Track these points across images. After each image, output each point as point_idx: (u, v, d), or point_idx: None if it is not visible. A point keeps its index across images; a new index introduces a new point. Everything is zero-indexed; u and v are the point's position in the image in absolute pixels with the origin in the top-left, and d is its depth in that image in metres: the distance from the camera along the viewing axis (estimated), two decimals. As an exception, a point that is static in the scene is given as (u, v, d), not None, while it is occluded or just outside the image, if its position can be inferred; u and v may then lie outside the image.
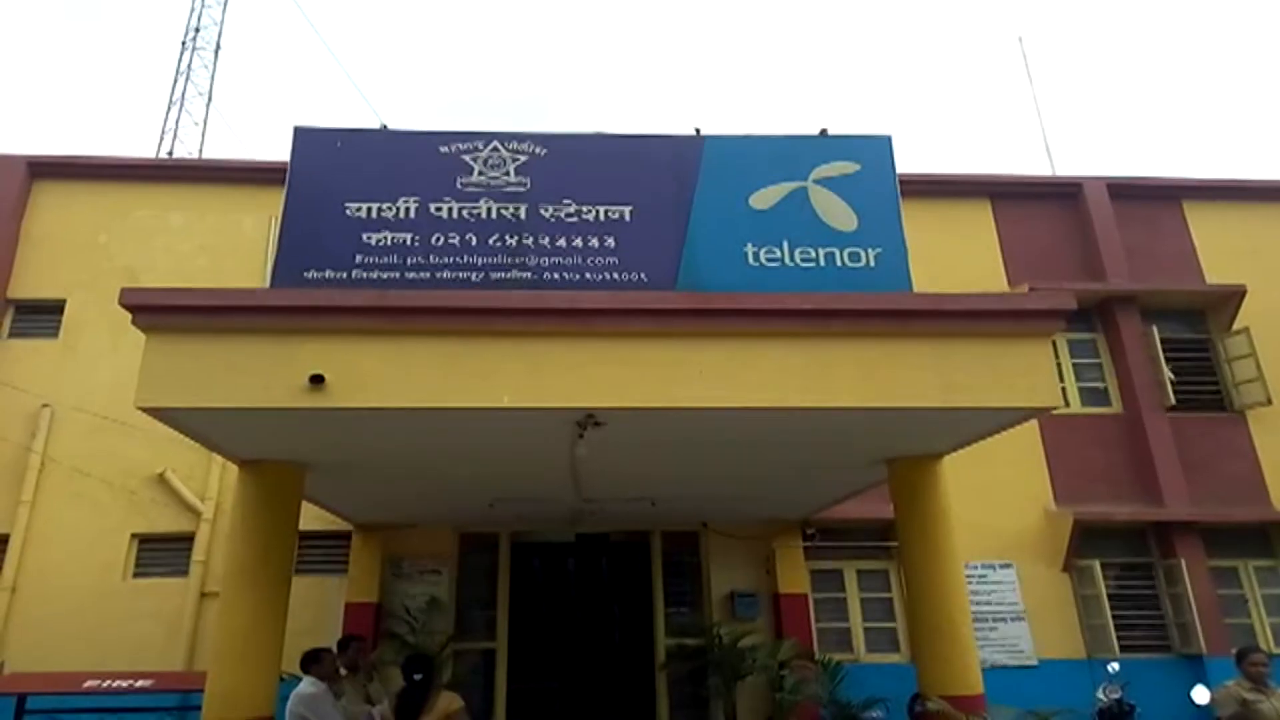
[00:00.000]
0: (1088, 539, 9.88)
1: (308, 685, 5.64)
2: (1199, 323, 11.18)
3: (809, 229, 5.61)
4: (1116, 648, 9.31)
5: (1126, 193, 11.63)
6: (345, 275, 5.40)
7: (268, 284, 5.70)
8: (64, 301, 10.25)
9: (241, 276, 9.92)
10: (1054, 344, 5.18)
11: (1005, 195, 11.69)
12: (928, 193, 11.05)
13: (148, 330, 4.69)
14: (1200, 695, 7.01)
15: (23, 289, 10.34)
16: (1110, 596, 9.79)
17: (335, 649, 6.30)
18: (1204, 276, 11.29)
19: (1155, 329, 10.62)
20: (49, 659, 8.40)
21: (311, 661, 5.77)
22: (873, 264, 5.54)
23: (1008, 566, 9.93)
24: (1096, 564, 9.86)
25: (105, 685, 7.20)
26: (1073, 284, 10.28)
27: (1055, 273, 10.99)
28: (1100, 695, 8.31)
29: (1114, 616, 9.65)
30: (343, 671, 6.12)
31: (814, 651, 9.37)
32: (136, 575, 9.40)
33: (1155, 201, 11.75)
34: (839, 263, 5.55)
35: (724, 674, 9.11)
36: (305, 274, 5.38)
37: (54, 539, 9.27)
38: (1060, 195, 11.71)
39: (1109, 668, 8.61)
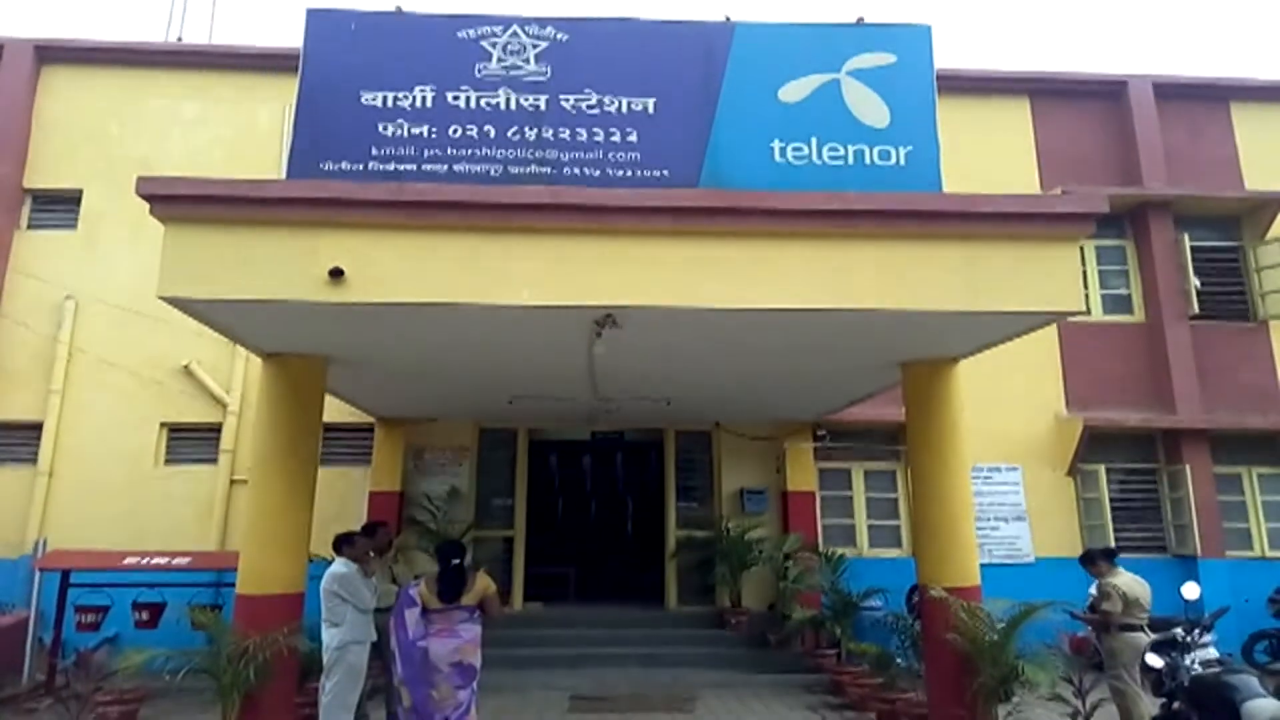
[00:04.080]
0: (1096, 444, 10.02)
1: (340, 565, 5.95)
2: (1233, 230, 10.91)
3: (839, 124, 5.41)
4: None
5: (1172, 93, 11.14)
6: (362, 167, 5.31)
7: (284, 176, 5.62)
8: (80, 192, 10.21)
9: (257, 168, 9.76)
10: (1081, 250, 5.08)
11: (1045, 94, 11.21)
12: (964, 89, 10.61)
13: (166, 220, 4.68)
14: (1190, 591, 7.34)
15: (38, 179, 10.27)
16: (1112, 500, 10.04)
17: (363, 533, 6.59)
18: (1244, 182, 10.94)
19: (1186, 236, 10.39)
20: (87, 539, 8.85)
21: (344, 543, 6.06)
22: (903, 162, 5.37)
23: (1014, 469, 10.13)
24: (1101, 468, 10.05)
25: (144, 562, 7.59)
26: (1107, 188, 9.98)
27: (1091, 176, 10.67)
28: (1092, 591, 8.59)
29: (1114, 519, 9.95)
30: (371, 554, 6.42)
31: (819, 545, 9.73)
32: (168, 462, 9.77)
33: (1201, 102, 11.26)
34: (868, 161, 5.37)
35: (731, 564, 9.53)
36: (321, 165, 5.29)
37: (86, 426, 9.59)
38: (1103, 94, 11.22)
39: (1104, 566, 8.89)
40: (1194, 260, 10.35)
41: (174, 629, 7.08)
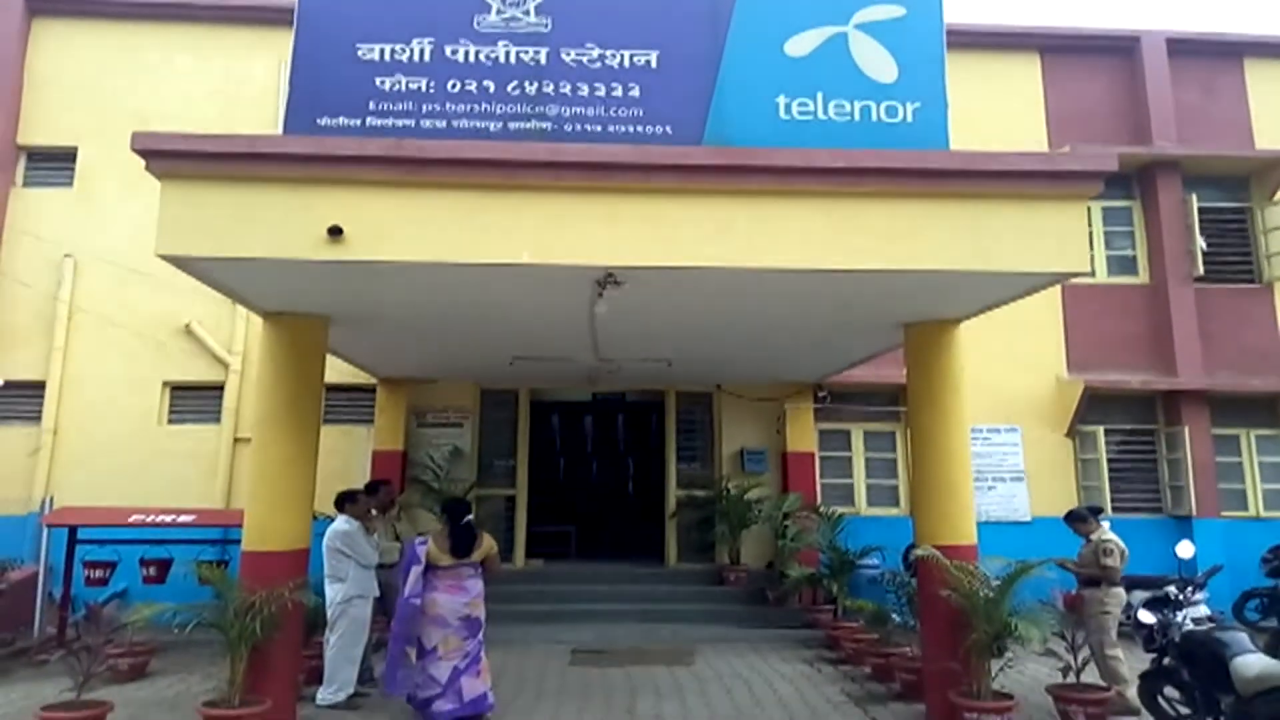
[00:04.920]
0: (1095, 406, 10.05)
1: (343, 522, 6.02)
2: (1241, 191, 10.79)
3: (846, 79, 5.27)
4: (1109, 507, 9.71)
5: (1186, 49, 10.91)
6: (359, 123, 5.20)
7: (281, 132, 5.52)
8: (75, 149, 10.07)
9: (254, 123, 9.61)
10: (1088, 210, 5.02)
11: (1056, 49, 10.99)
12: (973, 45, 10.39)
13: (162, 177, 4.61)
14: (1184, 550, 7.48)
15: (33, 135, 10.13)
16: (1110, 461, 10.12)
17: (365, 491, 6.65)
18: (1254, 141, 10.79)
19: (1194, 197, 10.28)
20: (94, 496, 8.91)
21: (347, 500, 6.12)
22: (910, 119, 5.24)
23: (1013, 430, 10.19)
24: (1100, 430, 10.10)
25: (150, 519, 7.66)
26: (1116, 147, 9.84)
27: (1100, 134, 10.52)
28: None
29: (1111, 479, 10.02)
30: (373, 511, 6.50)
31: (817, 505, 9.83)
32: (171, 421, 9.82)
33: (1215, 59, 11.04)
34: (875, 117, 5.25)
35: (730, 522, 9.64)
36: (318, 121, 5.19)
37: (89, 385, 9.62)
38: (1115, 51, 11.01)
39: (1100, 524, 8.99)
40: (1201, 221, 10.25)
41: (181, 584, 7.17)
